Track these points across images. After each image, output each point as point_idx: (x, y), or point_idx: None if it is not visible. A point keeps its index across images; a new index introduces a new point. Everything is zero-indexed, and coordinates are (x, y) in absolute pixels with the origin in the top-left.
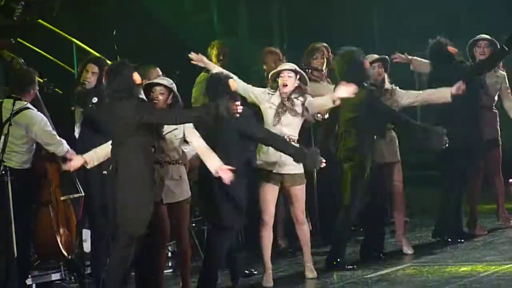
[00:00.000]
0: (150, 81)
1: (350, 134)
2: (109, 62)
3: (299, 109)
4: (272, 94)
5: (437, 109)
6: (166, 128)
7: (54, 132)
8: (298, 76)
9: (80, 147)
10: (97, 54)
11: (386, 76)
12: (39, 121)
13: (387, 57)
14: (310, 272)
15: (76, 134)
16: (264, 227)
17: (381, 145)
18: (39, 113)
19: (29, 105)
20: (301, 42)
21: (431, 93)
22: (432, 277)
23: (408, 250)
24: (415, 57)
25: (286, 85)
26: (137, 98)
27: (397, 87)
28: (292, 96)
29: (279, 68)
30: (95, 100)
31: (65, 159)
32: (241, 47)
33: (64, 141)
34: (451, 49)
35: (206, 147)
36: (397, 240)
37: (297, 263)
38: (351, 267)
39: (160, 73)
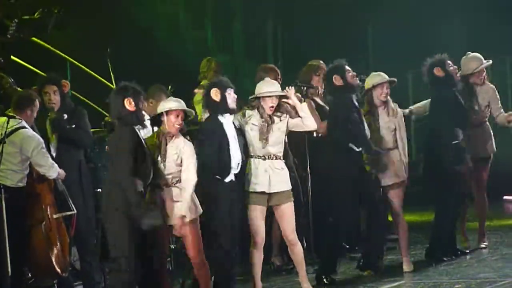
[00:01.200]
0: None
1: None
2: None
3: (282, 126)
4: (250, 116)
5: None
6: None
7: (48, 155)
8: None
9: (58, 162)
10: (92, 72)
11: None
12: (35, 141)
13: (395, 79)
14: None
15: (53, 151)
16: (255, 247)
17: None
18: (34, 133)
19: (24, 124)
20: (296, 59)
21: (418, 106)
22: None
23: (407, 268)
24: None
25: (273, 107)
26: (127, 125)
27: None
28: (275, 115)
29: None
30: (65, 117)
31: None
32: (236, 63)
33: (55, 165)
34: (437, 70)
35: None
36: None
37: (293, 281)
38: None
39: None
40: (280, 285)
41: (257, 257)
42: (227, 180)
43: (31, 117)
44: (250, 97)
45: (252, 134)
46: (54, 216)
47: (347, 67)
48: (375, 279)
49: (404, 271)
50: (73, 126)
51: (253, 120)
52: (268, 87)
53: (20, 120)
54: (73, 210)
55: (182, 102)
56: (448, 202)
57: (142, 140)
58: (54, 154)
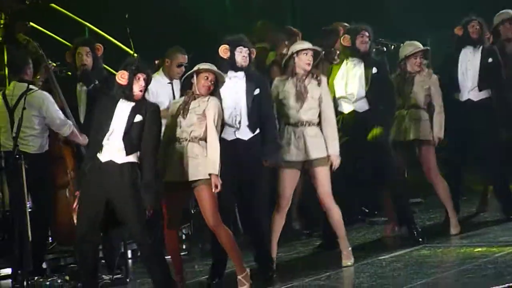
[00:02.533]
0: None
1: None
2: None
3: (316, 93)
4: (285, 81)
5: None
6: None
7: (60, 112)
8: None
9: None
10: (110, 38)
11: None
12: (47, 99)
13: (428, 47)
14: (347, 259)
15: (81, 117)
16: (278, 210)
17: None
18: (45, 92)
19: (32, 86)
20: (315, 22)
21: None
22: (446, 258)
23: (454, 230)
24: None
25: (309, 63)
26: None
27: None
28: (308, 79)
29: (300, 47)
30: (96, 82)
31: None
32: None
33: (69, 122)
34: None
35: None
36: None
37: (313, 245)
38: None
39: (186, 59)
40: (299, 250)
41: (278, 222)
42: (228, 138)
43: (31, 74)
44: (284, 58)
45: (285, 101)
46: None
47: (363, 32)
48: (395, 243)
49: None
50: None
51: (286, 87)
52: (302, 44)
53: (32, 83)
54: None
55: (214, 66)
56: None
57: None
58: (82, 121)
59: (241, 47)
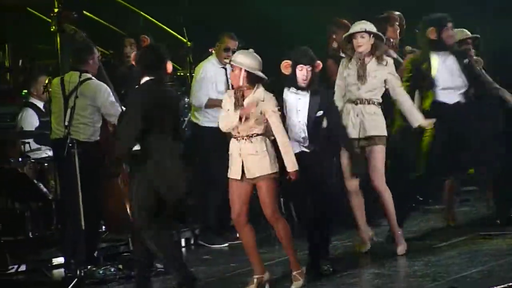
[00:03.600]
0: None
1: None
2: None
3: (379, 74)
4: (348, 63)
5: None
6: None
7: (117, 104)
8: (371, 36)
9: None
10: (164, 27)
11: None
12: (104, 90)
13: (478, 36)
14: (401, 246)
15: None
16: (351, 195)
17: None
18: (102, 83)
19: (90, 76)
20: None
21: None
22: (501, 247)
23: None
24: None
25: (361, 46)
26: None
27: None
28: (368, 59)
29: (350, 31)
30: None
31: None
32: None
33: None
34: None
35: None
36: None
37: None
38: None
39: (237, 43)
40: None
41: (356, 205)
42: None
43: (94, 65)
44: (344, 35)
45: (348, 78)
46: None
47: (449, 24)
48: (449, 231)
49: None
50: None
51: (349, 65)
52: (355, 27)
53: (88, 74)
54: None
55: (250, 58)
56: None
57: None
58: None
59: (301, 65)
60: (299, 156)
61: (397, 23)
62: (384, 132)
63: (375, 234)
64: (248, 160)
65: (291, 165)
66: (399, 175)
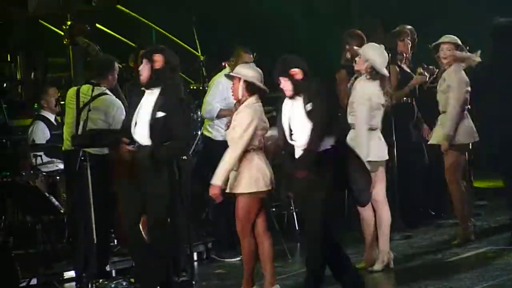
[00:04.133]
0: None
1: None
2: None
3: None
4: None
5: None
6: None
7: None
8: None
9: None
10: (177, 40)
11: None
12: (117, 107)
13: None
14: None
15: None
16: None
17: None
18: (116, 99)
19: (107, 91)
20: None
21: None
22: None
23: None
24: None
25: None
26: None
27: None
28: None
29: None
30: None
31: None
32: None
33: None
34: None
35: None
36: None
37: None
38: None
39: (252, 58)
40: None
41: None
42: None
43: (113, 81)
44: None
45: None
46: None
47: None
48: (460, 245)
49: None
50: None
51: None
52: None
53: (104, 88)
54: None
55: (249, 69)
56: None
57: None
58: None
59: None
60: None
61: (408, 38)
62: (380, 157)
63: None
64: (231, 175)
65: (214, 179)
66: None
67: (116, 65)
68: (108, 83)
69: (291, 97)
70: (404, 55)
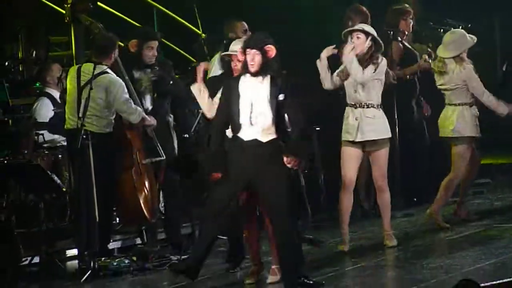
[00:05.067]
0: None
1: None
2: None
3: (376, 74)
4: None
5: None
6: None
7: (130, 100)
8: (369, 38)
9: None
10: (178, 18)
11: None
12: (118, 86)
13: None
14: (390, 241)
15: (149, 104)
16: (343, 190)
17: None
18: (118, 78)
19: (108, 70)
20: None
21: None
22: None
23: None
24: None
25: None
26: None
27: None
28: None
29: (349, 29)
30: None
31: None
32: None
33: (139, 109)
34: None
35: None
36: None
37: (379, 225)
38: None
39: (246, 27)
40: (368, 230)
41: (345, 202)
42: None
43: (114, 59)
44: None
45: (346, 82)
46: (143, 161)
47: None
48: (464, 223)
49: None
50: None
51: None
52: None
53: (105, 66)
54: (162, 157)
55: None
56: None
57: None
58: (149, 107)
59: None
60: None
61: (410, 17)
62: (385, 134)
63: None
64: None
65: None
66: None
67: (117, 44)
68: (109, 62)
69: (254, 74)
70: (406, 33)
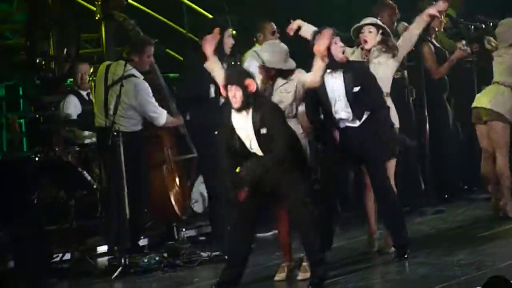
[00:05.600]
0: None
1: None
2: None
3: (385, 65)
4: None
5: None
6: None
7: (155, 104)
8: (380, 31)
9: None
10: (208, 15)
11: None
12: (142, 89)
13: None
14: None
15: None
16: (367, 189)
17: None
18: (142, 81)
19: (135, 72)
20: None
21: None
22: None
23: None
24: None
25: (366, 41)
26: None
27: None
28: (376, 53)
29: (360, 23)
30: None
31: None
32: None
33: (163, 113)
34: None
35: None
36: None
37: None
38: None
39: (275, 28)
40: None
41: (369, 200)
42: None
43: (146, 62)
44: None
45: None
46: (175, 158)
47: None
48: (493, 220)
49: None
50: None
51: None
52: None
53: (132, 67)
54: (194, 154)
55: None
56: None
57: None
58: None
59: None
60: None
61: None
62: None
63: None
64: None
65: None
66: None
67: (152, 46)
68: (142, 61)
69: (238, 110)
70: (436, 29)
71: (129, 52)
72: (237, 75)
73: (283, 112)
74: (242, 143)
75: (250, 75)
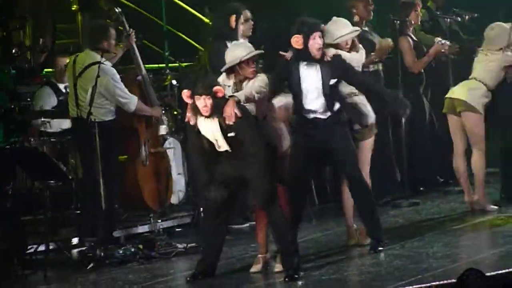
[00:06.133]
0: None
1: None
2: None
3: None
4: None
5: None
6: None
7: (123, 89)
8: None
9: None
10: (186, 6)
11: None
12: (108, 75)
13: None
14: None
15: None
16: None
17: None
18: (111, 68)
19: (100, 59)
20: None
21: None
22: None
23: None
24: None
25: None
26: None
27: None
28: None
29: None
30: None
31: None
32: None
33: (134, 98)
34: None
35: None
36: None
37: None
38: None
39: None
40: None
41: (346, 195)
42: None
43: (110, 46)
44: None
45: None
46: (152, 150)
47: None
48: (467, 213)
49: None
50: None
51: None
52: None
53: (98, 55)
54: (172, 146)
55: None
56: None
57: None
58: None
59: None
60: None
61: (420, 8)
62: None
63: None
64: None
65: None
66: None
67: (113, 31)
68: (109, 46)
69: (208, 116)
70: (413, 23)
71: (96, 40)
72: (205, 85)
73: (250, 113)
74: (210, 143)
75: (217, 82)
